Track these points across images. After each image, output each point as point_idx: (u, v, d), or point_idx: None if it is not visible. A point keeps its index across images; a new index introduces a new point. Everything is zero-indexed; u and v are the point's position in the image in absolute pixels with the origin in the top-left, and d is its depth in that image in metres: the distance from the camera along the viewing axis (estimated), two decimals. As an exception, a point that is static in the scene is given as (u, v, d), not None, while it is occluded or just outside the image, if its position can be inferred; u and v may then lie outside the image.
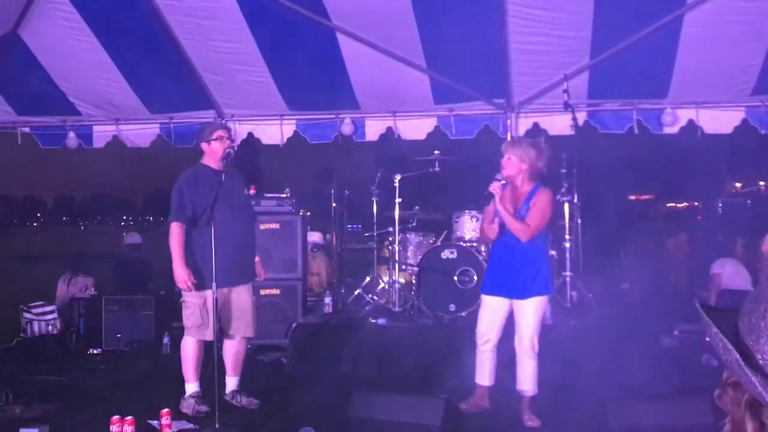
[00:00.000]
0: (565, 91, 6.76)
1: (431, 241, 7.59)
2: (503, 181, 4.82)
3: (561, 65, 6.80)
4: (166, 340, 7.06)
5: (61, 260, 10.25)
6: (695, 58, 6.61)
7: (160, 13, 6.64)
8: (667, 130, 7.43)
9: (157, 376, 6.17)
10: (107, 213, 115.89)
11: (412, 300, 6.87)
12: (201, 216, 4.90)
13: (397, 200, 7.35)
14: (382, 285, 7.58)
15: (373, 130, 7.97)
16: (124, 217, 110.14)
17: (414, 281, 7.21)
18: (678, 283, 9.05)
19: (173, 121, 8.11)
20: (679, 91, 7.10)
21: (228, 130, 5.43)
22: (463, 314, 6.65)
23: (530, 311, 4.81)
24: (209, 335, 4.96)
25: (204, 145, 5.23)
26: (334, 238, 8.47)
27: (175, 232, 4.98)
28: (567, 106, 6.79)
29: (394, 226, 7.42)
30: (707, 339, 1.13)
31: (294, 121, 8.05)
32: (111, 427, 4.46)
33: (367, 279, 7.81)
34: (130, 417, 4.49)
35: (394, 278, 7.23)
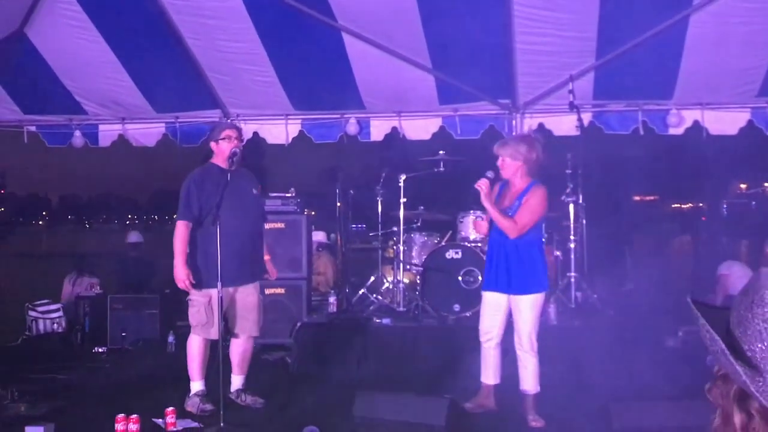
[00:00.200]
0: (571, 91, 6.76)
1: (436, 241, 7.59)
2: (492, 177, 4.91)
3: (566, 66, 6.79)
4: (171, 338, 7.09)
5: (66, 259, 10.28)
6: (701, 59, 6.59)
7: (166, 12, 6.66)
8: (672, 131, 7.41)
9: (161, 375, 6.17)
10: (112, 212, 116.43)
11: (416, 300, 6.88)
12: (207, 215, 4.92)
13: (402, 200, 7.36)
14: (386, 285, 7.58)
15: (378, 130, 7.96)
16: (130, 216, 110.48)
17: (418, 281, 7.21)
18: (683, 284, 9.02)
19: (179, 120, 8.12)
20: (684, 92, 7.08)
21: (237, 130, 5.44)
22: (468, 314, 6.64)
23: (526, 308, 4.83)
24: (214, 334, 4.98)
25: (213, 145, 5.25)
26: (339, 238, 8.46)
27: (180, 231, 5.01)
28: (572, 107, 6.80)
29: (398, 226, 7.42)
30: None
31: (299, 121, 8.05)
32: (116, 425, 4.48)
33: (372, 279, 7.81)
34: (135, 415, 4.52)
35: (398, 278, 7.23)
